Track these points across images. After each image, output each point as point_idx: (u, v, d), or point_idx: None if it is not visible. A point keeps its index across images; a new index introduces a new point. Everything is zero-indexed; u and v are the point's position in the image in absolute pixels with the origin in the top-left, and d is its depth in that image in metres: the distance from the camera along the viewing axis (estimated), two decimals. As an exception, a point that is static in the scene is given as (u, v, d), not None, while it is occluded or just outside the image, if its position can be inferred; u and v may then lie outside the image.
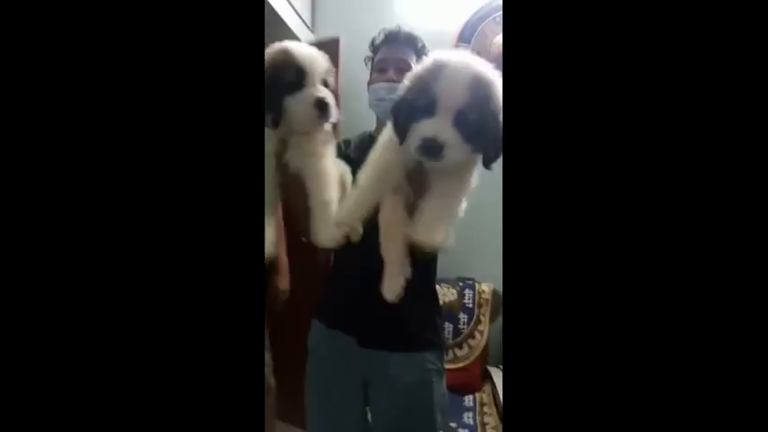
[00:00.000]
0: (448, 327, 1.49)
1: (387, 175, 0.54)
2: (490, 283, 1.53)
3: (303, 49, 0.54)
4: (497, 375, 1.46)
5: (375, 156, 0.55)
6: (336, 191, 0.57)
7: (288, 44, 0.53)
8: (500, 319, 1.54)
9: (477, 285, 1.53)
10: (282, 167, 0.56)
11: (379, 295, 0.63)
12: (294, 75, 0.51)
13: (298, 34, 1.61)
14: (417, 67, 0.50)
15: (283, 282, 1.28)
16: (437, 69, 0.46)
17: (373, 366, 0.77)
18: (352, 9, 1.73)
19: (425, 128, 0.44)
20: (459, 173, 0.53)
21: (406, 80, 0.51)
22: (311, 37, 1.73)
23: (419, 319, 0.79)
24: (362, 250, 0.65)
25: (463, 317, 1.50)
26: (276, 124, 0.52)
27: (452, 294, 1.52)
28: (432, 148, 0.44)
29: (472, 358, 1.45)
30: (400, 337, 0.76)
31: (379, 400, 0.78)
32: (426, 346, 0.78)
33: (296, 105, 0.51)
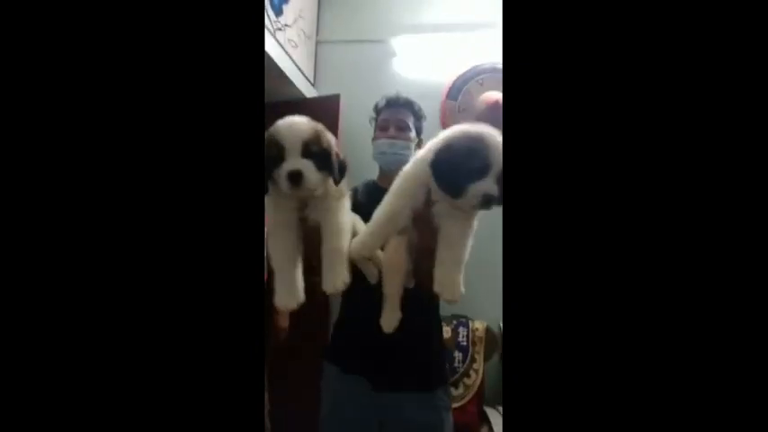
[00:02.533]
0: (443, 365, 1.51)
1: (397, 216, 0.65)
2: (483, 320, 1.57)
3: (282, 126, 0.59)
4: (495, 417, 1.45)
5: (388, 200, 0.67)
6: (347, 240, 0.65)
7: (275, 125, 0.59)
8: (493, 358, 1.56)
9: (470, 323, 1.57)
10: (303, 221, 0.65)
11: (391, 339, 0.69)
12: (275, 150, 0.57)
13: (302, 90, 1.78)
14: (448, 136, 0.61)
15: (282, 320, 1.31)
16: (478, 139, 0.58)
17: (388, 409, 0.80)
18: (353, 68, 1.93)
19: (485, 186, 0.58)
20: (467, 216, 0.62)
21: (440, 143, 0.61)
22: (314, 93, 1.90)
23: (429, 358, 0.84)
24: (372, 295, 0.71)
25: (458, 355, 1.52)
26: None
27: (446, 332, 1.55)
28: (492, 202, 0.58)
29: (468, 397, 1.45)
30: (413, 379, 0.81)
31: None
32: (437, 384, 0.83)
33: (278, 178, 0.58)
